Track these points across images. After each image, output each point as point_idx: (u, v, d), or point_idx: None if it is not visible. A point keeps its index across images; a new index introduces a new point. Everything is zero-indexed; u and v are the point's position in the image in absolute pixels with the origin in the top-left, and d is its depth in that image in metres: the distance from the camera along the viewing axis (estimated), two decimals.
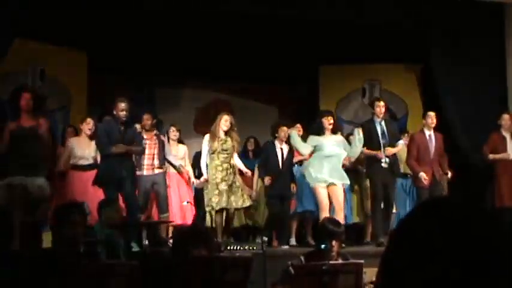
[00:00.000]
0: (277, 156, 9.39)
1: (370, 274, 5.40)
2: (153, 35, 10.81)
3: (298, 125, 9.74)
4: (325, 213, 8.52)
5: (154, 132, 9.41)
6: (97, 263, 5.53)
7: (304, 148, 8.98)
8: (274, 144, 9.43)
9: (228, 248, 7.58)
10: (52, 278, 4.84)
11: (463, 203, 1.14)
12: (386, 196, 9.08)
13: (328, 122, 8.93)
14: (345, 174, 8.92)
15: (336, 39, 11.06)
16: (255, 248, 7.59)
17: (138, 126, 9.11)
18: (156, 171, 9.24)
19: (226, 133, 9.04)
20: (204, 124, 11.66)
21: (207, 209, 8.92)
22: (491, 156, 9.45)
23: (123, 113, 8.26)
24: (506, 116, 9.61)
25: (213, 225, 8.83)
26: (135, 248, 7.95)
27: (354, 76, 12.19)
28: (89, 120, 9.28)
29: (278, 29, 10.78)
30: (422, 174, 9.00)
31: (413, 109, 11.94)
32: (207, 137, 9.10)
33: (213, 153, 8.97)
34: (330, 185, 8.78)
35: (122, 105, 8.29)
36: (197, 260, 4.32)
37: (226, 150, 8.99)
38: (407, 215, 1.18)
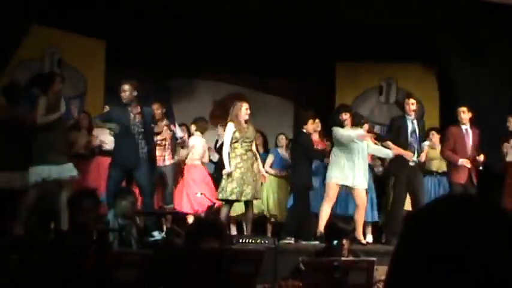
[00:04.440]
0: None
1: (381, 272, 5.38)
2: (171, 26, 10.81)
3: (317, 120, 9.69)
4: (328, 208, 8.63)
5: (165, 122, 9.39)
6: (108, 251, 5.55)
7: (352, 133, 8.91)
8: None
9: (240, 240, 7.57)
10: (63, 263, 4.85)
11: (474, 201, 1.13)
12: (416, 196, 8.91)
13: (346, 116, 8.91)
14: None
15: (353, 36, 11.03)
16: (267, 242, 7.58)
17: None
18: (167, 162, 9.23)
19: (246, 121, 8.96)
20: (219, 117, 11.65)
21: (233, 196, 8.75)
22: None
23: (124, 94, 8.20)
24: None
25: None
26: (158, 236, 7.96)
27: (370, 74, 12.17)
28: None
29: (296, 25, 10.76)
30: (463, 160, 8.92)
31: (429, 109, 11.88)
32: (231, 125, 8.83)
33: (236, 141, 8.84)
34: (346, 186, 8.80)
35: (125, 86, 8.25)
36: (208, 251, 4.32)
37: (249, 138, 8.92)
38: (418, 212, 1.17)
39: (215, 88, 12.91)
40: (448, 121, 10.12)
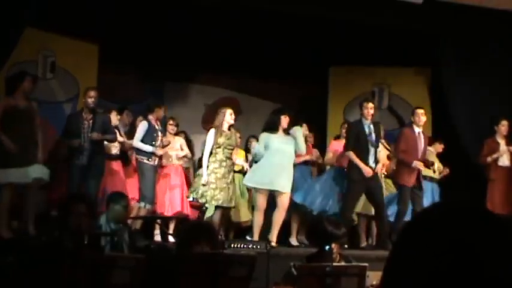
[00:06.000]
0: None
1: (372, 277, 5.40)
2: (164, 29, 10.82)
3: (304, 124, 9.69)
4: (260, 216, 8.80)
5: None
6: (101, 255, 5.55)
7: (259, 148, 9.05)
8: None
9: (232, 245, 7.59)
10: (55, 266, 4.86)
11: (470, 207, 1.15)
12: (375, 200, 9.06)
13: (285, 120, 8.99)
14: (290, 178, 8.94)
15: (347, 40, 11.05)
16: (258, 246, 7.60)
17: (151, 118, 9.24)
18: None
19: (230, 128, 9.00)
20: (211, 121, 11.65)
21: (207, 204, 8.90)
22: (489, 158, 9.47)
23: (91, 100, 8.62)
24: (505, 122, 9.65)
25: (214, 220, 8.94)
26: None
27: (363, 78, 12.15)
28: (114, 112, 9.53)
29: (289, 28, 10.77)
30: (417, 163, 9.01)
31: None
32: (212, 131, 8.95)
33: (218, 147, 8.88)
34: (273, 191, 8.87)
35: (91, 93, 8.70)
36: (200, 256, 4.33)
37: (230, 145, 8.94)
38: (414, 218, 1.20)
39: (208, 92, 12.89)
40: (439, 126, 10.16)
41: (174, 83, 12.69)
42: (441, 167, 10.09)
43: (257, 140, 10.78)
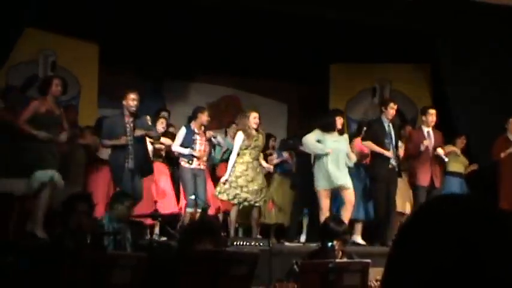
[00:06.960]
0: None
1: (374, 274, 5.39)
2: (165, 28, 10.81)
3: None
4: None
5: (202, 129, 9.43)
6: (101, 254, 5.54)
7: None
8: None
9: (235, 243, 7.59)
10: (55, 266, 4.85)
11: (472, 201, 1.13)
12: (388, 195, 9.05)
13: (340, 121, 9.05)
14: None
15: (347, 38, 11.03)
16: (261, 244, 7.60)
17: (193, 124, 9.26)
18: (202, 166, 9.26)
19: (256, 130, 9.06)
20: (213, 119, 11.63)
21: (235, 200, 8.94)
22: (502, 154, 9.48)
23: (133, 103, 8.29)
24: None
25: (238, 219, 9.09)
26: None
27: (364, 75, 12.15)
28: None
29: (289, 26, 10.77)
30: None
31: None
32: (240, 134, 9.00)
33: (245, 149, 8.94)
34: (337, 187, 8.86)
35: (132, 95, 8.33)
36: (202, 254, 4.32)
37: (257, 147, 8.99)
38: (416, 210, 1.18)
39: (208, 90, 12.89)
40: (441, 122, 10.12)
41: (174, 82, 12.68)
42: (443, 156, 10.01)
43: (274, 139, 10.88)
